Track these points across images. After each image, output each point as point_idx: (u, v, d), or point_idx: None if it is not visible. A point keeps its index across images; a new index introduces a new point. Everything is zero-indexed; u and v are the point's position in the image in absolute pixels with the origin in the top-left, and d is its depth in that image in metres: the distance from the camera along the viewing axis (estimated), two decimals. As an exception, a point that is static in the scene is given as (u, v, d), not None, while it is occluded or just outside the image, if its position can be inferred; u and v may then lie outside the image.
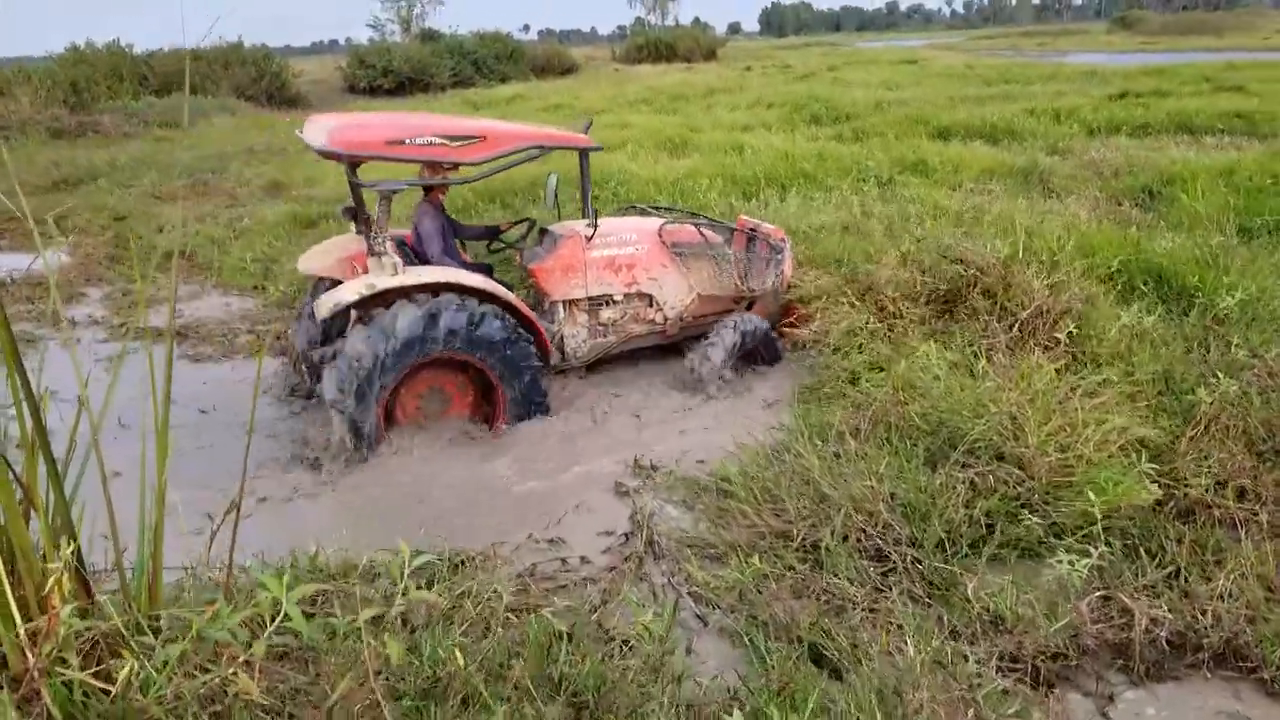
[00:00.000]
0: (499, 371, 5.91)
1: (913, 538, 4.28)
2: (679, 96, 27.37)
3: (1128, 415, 4.99)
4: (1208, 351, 5.86)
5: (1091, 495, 4.20)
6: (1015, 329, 6.13)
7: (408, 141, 5.48)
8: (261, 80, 32.73)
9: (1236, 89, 20.83)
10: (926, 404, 5.27)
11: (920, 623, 3.76)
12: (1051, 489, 4.48)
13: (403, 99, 33.92)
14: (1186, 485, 4.56)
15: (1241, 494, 4.56)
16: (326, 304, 5.52)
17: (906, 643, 3.55)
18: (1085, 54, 50.34)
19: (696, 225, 7.27)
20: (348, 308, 5.54)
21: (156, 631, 3.01)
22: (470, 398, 6.24)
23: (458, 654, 3.18)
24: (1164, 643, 3.64)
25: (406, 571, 3.07)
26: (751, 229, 7.31)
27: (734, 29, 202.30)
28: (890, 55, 49.94)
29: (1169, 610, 3.72)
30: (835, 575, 4.10)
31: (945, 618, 3.85)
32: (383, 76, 36.14)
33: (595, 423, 6.37)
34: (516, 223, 7.18)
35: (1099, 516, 4.13)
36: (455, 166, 6.10)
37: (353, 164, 5.77)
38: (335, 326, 6.26)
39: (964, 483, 4.53)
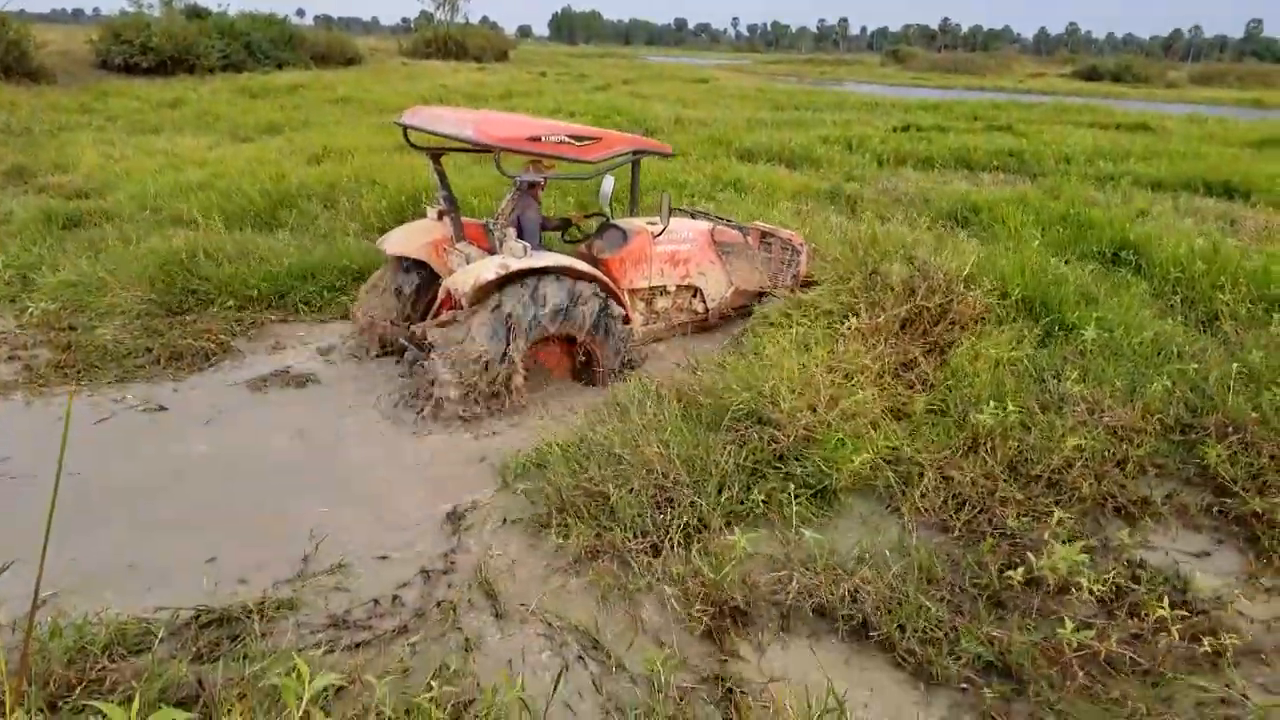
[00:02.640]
0: (608, 348, 6.72)
1: (694, 484, 4.91)
2: (475, 97, 26.86)
3: (873, 391, 5.82)
4: (1058, 380, 6.22)
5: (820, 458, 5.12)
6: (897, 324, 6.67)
7: (544, 138, 6.12)
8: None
9: (1006, 128, 22.69)
10: (714, 380, 6.05)
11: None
12: (801, 446, 5.27)
13: (165, 80, 31.06)
14: (915, 464, 5.28)
15: (946, 480, 5.18)
16: (467, 281, 6.00)
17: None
18: (864, 84, 53.77)
19: (736, 227, 8.19)
20: (488, 284, 6.04)
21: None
22: (567, 365, 6.97)
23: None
24: (809, 610, 4.14)
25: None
26: (768, 232, 8.18)
27: (524, 32, 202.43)
28: (684, 73, 51.36)
29: (822, 581, 4.21)
30: (622, 528, 4.63)
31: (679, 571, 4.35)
32: (141, 54, 33.01)
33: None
34: (589, 216, 7.94)
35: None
36: (550, 165, 6.87)
37: (436, 157, 6.88)
38: (418, 303, 7.19)
39: (733, 442, 5.26)
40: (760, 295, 7.98)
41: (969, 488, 5.10)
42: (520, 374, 6.28)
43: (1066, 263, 8.69)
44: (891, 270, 7.02)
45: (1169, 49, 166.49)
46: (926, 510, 5.00)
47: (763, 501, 4.89)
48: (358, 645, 3.87)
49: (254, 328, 7.81)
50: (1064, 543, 4.41)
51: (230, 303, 8.12)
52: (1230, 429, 5.59)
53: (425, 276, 7.21)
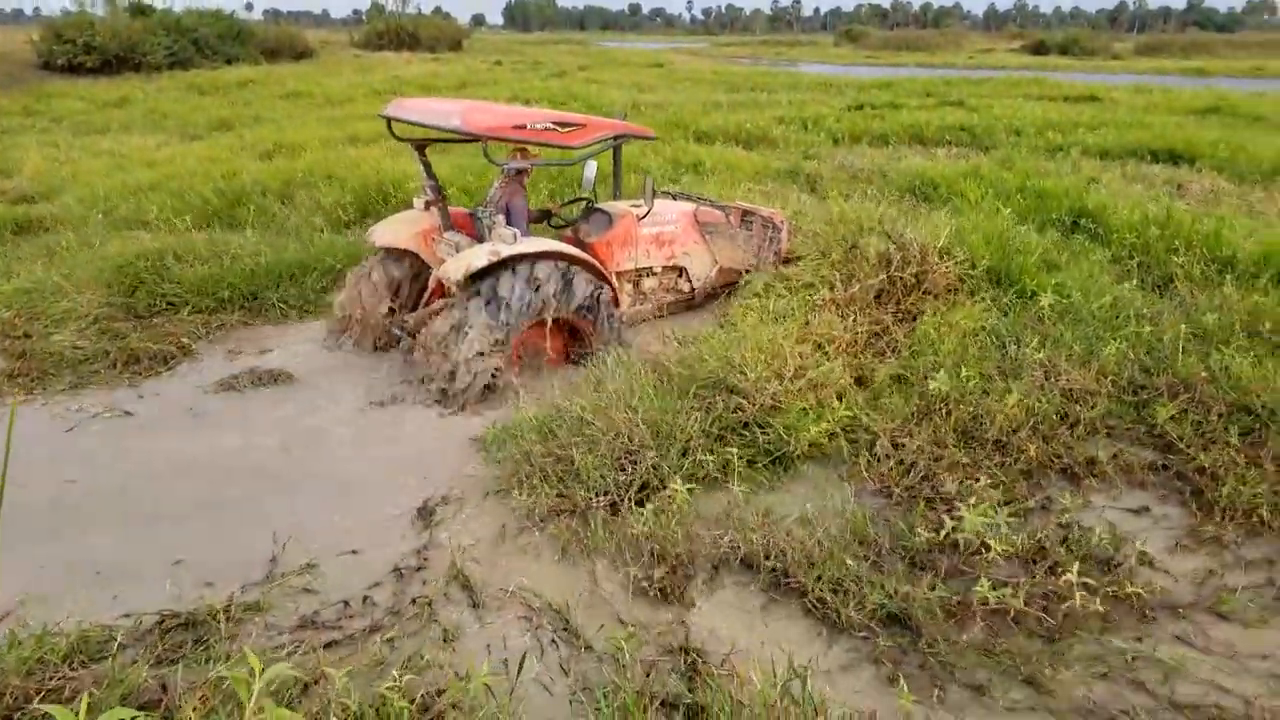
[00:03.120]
0: (600, 331, 6.77)
1: (657, 448, 5.08)
2: (430, 88, 26.59)
3: (843, 360, 6.04)
4: (1018, 346, 6.35)
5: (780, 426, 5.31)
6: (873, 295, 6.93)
7: (529, 126, 6.17)
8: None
9: (958, 104, 22.83)
10: (689, 351, 6.27)
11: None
12: (766, 414, 5.44)
13: (110, 79, 30.41)
14: (869, 433, 5.46)
15: (896, 447, 5.36)
16: (459, 268, 6.11)
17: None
18: (818, 65, 53.81)
19: (718, 206, 8.29)
20: (479, 271, 6.16)
21: None
22: (559, 348, 6.91)
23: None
24: (736, 561, 4.41)
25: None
26: (749, 211, 8.30)
27: (478, 20, 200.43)
28: (639, 58, 51.16)
29: (755, 537, 4.44)
30: (585, 488, 4.86)
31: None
32: (85, 54, 32.27)
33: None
34: (570, 202, 8.05)
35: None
36: (536, 153, 6.98)
37: (420, 148, 6.92)
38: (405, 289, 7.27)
39: (700, 409, 5.42)
40: (745, 273, 8.05)
41: (917, 454, 5.24)
42: (513, 356, 6.42)
43: (1035, 231, 8.81)
44: (870, 244, 7.24)
45: (1114, 21, 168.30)
46: (875, 477, 5.16)
47: (722, 466, 5.06)
48: (329, 644, 3.84)
49: (221, 330, 7.69)
50: (973, 506, 4.51)
51: (203, 305, 7.98)
52: (1180, 389, 5.70)
53: (414, 267, 7.29)
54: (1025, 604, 3.96)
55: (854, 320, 6.58)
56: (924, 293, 7.01)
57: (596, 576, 4.37)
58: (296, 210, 10.86)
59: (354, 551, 4.57)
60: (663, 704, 3.49)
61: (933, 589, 4.10)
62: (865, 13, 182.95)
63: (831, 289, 6.94)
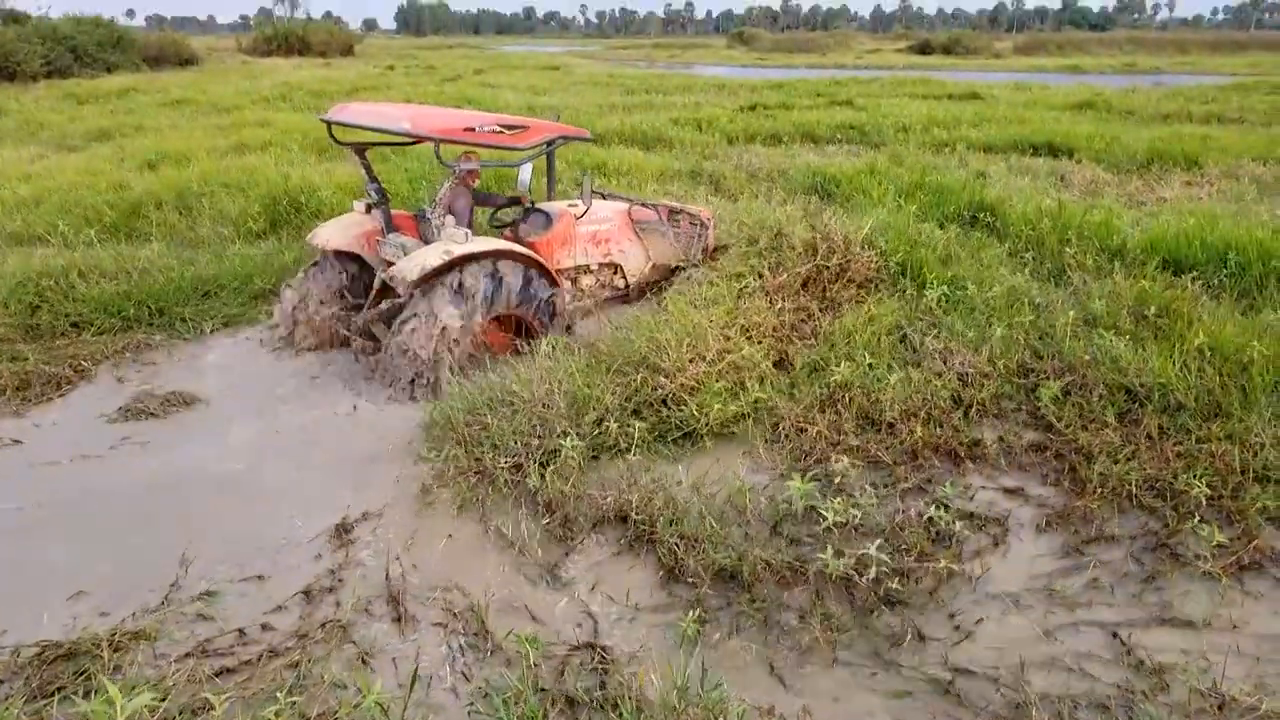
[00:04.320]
0: (551, 326, 6.95)
1: (574, 418, 5.40)
2: (320, 94, 25.92)
3: (768, 345, 6.35)
4: (920, 336, 6.56)
5: (693, 405, 5.59)
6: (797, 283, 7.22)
7: (478, 128, 6.32)
8: None
9: (847, 103, 23.36)
10: (620, 333, 6.59)
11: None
12: (683, 393, 5.70)
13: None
14: (776, 415, 5.71)
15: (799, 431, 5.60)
16: (413, 269, 6.21)
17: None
18: (710, 66, 54.45)
19: (649, 205, 8.46)
20: (433, 271, 6.23)
21: None
22: (506, 344, 7.00)
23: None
24: (614, 516, 4.79)
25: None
26: (677, 209, 8.48)
27: (370, 25, 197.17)
28: (534, 61, 50.96)
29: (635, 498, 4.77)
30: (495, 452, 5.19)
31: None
32: (-46, 63, 30.75)
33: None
34: (510, 202, 7.95)
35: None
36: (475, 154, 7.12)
37: (361, 151, 7.04)
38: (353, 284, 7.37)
39: (621, 385, 5.72)
40: (675, 269, 8.32)
41: (816, 439, 5.45)
42: (470, 348, 6.61)
43: (937, 226, 9.05)
44: (795, 232, 7.57)
45: (994, 21, 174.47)
46: (772, 457, 5.40)
47: (628, 437, 5.36)
48: (221, 671, 3.71)
49: (132, 350, 7.32)
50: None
51: (109, 324, 7.62)
52: (1065, 371, 5.92)
53: (357, 269, 7.40)
54: (856, 574, 4.17)
55: (781, 306, 6.86)
56: (848, 281, 7.32)
57: (489, 529, 4.77)
58: (201, 221, 10.50)
59: (260, 578, 4.44)
60: (569, 702, 3.49)
61: (776, 553, 4.39)
62: (756, 14, 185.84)
63: (760, 277, 7.21)
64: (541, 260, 6.92)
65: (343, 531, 4.78)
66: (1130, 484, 4.86)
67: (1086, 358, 5.98)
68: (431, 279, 6.32)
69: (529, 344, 6.77)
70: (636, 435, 5.35)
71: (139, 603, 4.16)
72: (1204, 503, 4.67)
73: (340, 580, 4.37)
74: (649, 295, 8.17)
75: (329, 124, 6.81)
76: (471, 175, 7.09)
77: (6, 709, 3.21)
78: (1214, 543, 4.38)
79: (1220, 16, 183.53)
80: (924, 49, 69.50)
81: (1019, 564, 4.46)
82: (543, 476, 4.96)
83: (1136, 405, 5.60)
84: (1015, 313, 6.73)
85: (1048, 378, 5.89)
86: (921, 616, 4.07)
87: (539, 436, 5.26)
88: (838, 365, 6.00)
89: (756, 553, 4.34)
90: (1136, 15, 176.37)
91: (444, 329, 6.29)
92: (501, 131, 6.48)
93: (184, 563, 4.44)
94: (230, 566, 4.46)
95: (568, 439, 5.13)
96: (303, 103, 23.65)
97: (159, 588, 4.29)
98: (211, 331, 7.81)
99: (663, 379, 5.76)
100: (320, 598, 4.24)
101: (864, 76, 35.73)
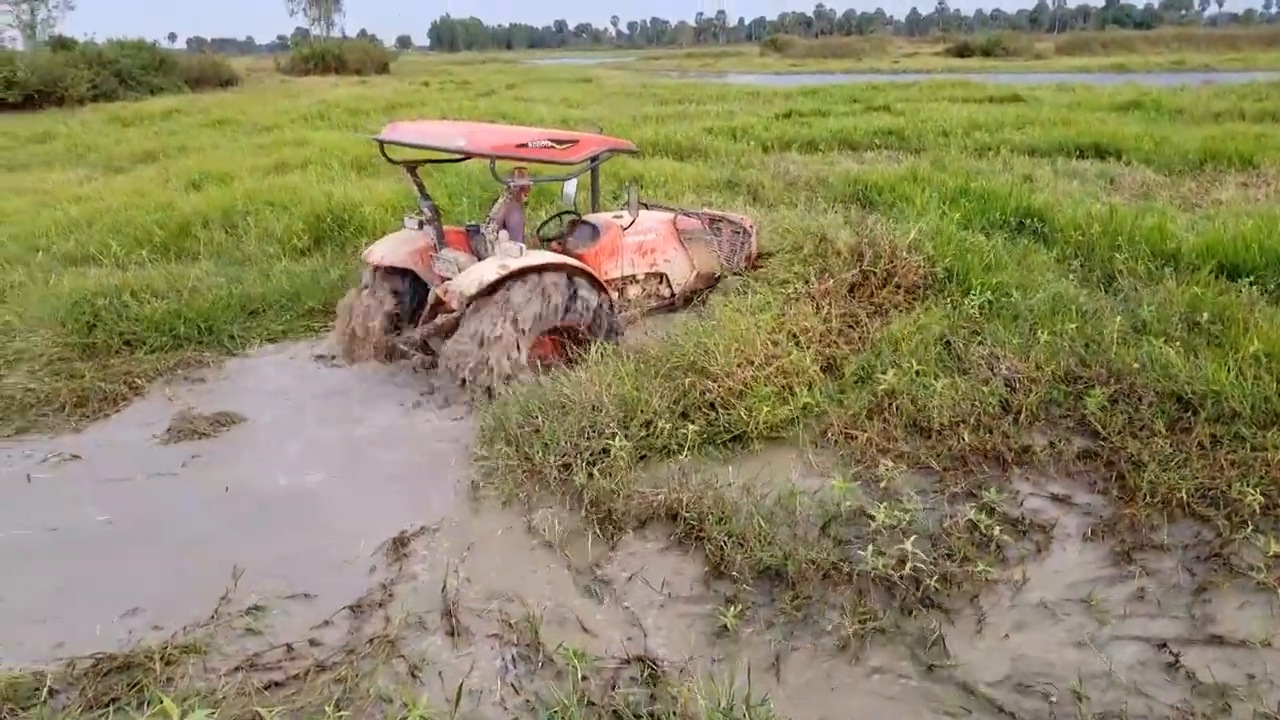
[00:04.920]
0: (604, 338, 6.86)
1: (623, 421, 5.56)
2: (358, 111, 26.34)
3: (816, 350, 6.44)
4: (965, 344, 6.57)
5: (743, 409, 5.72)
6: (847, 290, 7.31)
7: (530, 144, 6.49)
8: None
9: (884, 109, 23.29)
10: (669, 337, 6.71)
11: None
12: (731, 397, 5.84)
13: (33, 114, 29.79)
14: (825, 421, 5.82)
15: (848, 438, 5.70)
16: (471, 282, 6.37)
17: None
18: (744, 75, 54.47)
19: (692, 214, 8.58)
20: (490, 285, 6.36)
21: None
22: (561, 358, 7.01)
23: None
24: (663, 514, 4.94)
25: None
26: (719, 218, 8.61)
27: (404, 43, 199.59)
28: (566, 73, 51.36)
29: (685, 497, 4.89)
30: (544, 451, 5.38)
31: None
32: (5, 89, 31.65)
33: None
34: (554, 216, 8.21)
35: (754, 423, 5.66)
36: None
37: (413, 169, 7.22)
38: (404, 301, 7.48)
39: (669, 388, 5.86)
40: (719, 277, 8.44)
41: (865, 445, 5.56)
42: (529, 360, 6.72)
43: (982, 233, 9.01)
44: (839, 237, 7.67)
45: (1035, 22, 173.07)
46: (824, 460, 5.52)
47: (678, 438, 5.49)
48: (289, 679, 3.80)
49: (183, 367, 7.50)
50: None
51: (161, 342, 7.82)
52: (1113, 378, 5.89)
53: (412, 285, 7.52)
54: (897, 577, 4.22)
55: (828, 312, 6.95)
56: (895, 287, 7.37)
57: (536, 526, 4.92)
58: (247, 239, 10.72)
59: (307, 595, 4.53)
60: (615, 716, 3.54)
61: (821, 553, 4.46)
62: (790, 21, 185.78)
63: (806, 283, 7.29)
64: (591, 271, 7.02)
65: (397, 545, 4.85)
66: (1181, 492, 4.81)
67: (1136, 365, 5.93)
68: (488, 293, 6.46)
69: (581, 354, 6.85)
70: (688, 437, 5.47)
71: (190, 617, 4.25)
72: (1259, 512, 4.62)
73: (391, 595, 4.43)
74: (696, 302, 8.24)
75: (382, 144, 7.01)
76: (524, 190, 7.18)
77: (64, 718, 3.31)
78: (1270, 553, 4.33)
79: (1274, 10, 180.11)
80: (963, 51, 68.99)
81: (1065, 571, 4.44)
82: (590, 475, 5.11)
83: (1188, 413, 5.54)
84: (1061, 319, 6.70)
85: (1094, 385, 5.86)
86: (962, 621, 4.08)
87: (588, 438, 5.41)
88: (884, 372, 6.04)
89: (803, 552, 4.43)
90: (1183, 11, 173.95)
91: (500, 338, 6.40)
92: (553, 146, 6.65)
93: (235, 575, 4.51)
94: (279, 582, 4.53)
95: (616, 439, 5.27)
96: (340, 120, 24.03)
97: (210, 602, 4.37)
98: (260, 346, 8.01)
99: (710, 383, 5.89)
100: (370, 613, 4.29)
101: (901, 81, 35.61)
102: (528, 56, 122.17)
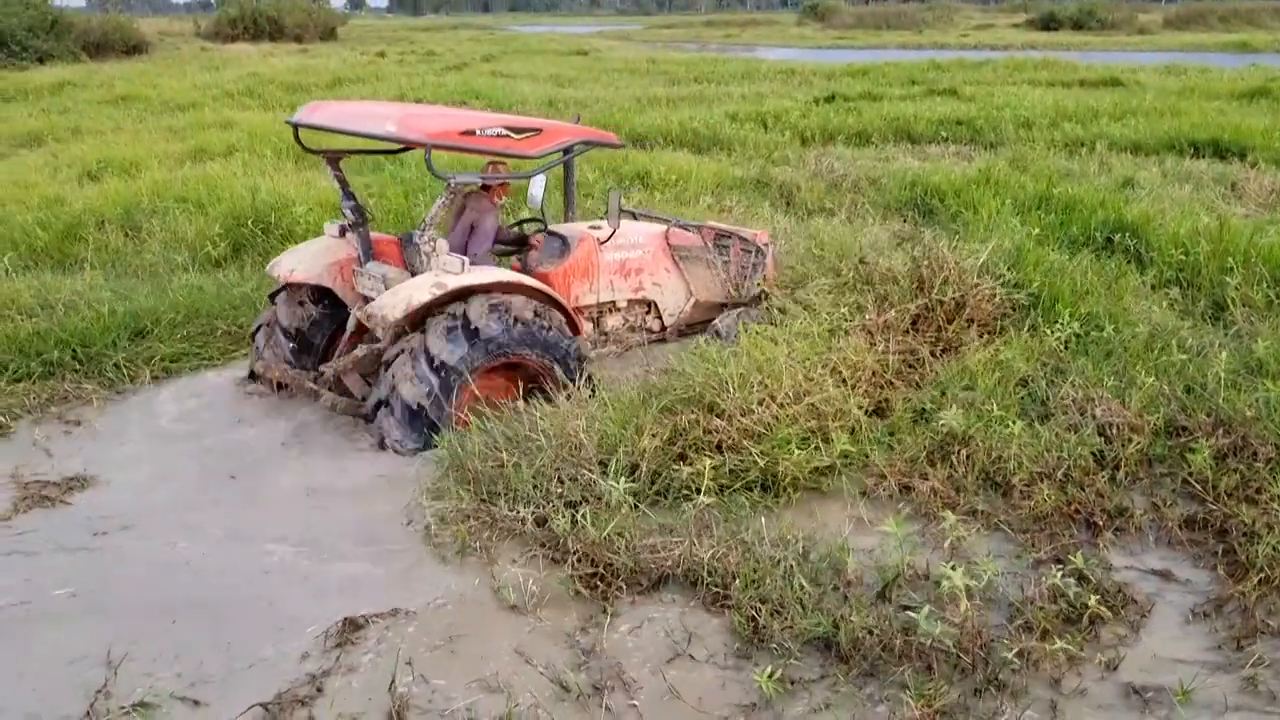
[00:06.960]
0: (563, 372, 6.78)
1: (601, 462, 5.63)
2: (296, 88, 26.58)
3: (857, 395, 6.37)
4: (1048, 384, 6.63)
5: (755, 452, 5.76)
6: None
7: (479, 132, 6.30)
8: None
9: (950, 92, 23.45)
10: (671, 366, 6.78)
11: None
12: (743, 437, 5.84)
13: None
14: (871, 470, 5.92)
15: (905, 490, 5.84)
16: (396, 306, 6.19)
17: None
18: (776, 49, 55.06)
19: (691, 227, 8.39)
20: (420, 309, 6.24)
21: None
22: (511, 394, 6.82)
23: None
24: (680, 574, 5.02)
25: None
26: (726, 232, 8.33)
27: (356, 3, 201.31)
28: (557, 44, 51.84)
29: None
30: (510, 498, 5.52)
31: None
32: None
33: None
34: (520, 223, 8.16)
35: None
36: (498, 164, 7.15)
37: (335, 161, 7.02)
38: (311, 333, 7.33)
39: (665, 425, 5.88)
40: (724, 306, 8.22)
41: (928, 496, 5.68)
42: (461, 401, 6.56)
43: (1065, 250, 9.04)
44: (880, 260, 7.56)
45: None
46: (874, 518, 5.57)
47: (679, 485, 5.60)
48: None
49: (57, 402, 7.40)
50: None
51: (28, 369, 7.71)
52: (1220, 429, 5.90)
53: (328, 306, 7.37)
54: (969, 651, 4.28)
55: (885, 348, 6.85)
56: (967, 320, 7.24)
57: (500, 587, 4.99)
58: (150, 244, 10.76)
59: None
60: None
61: (879, 620, 4.51)
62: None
63: (861, 311, 7.18)
64: (556, 296, 6.90)
65: (341, 626, 4.73)
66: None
67: (1249, 413, 5.93)
68: (417, 320, 6.31)
69: (538, 396, 6.72)
70: (704, 481, 5.45)
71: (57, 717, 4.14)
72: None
73: (320, 689, 4.32)
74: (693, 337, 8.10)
75: (296, 127, 6.84)
76: (500, 189, 7.11)
77: None
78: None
79: None
80: (1048, 23, 69.50)
81: (1162, 656, 4.46)
82: (574, 522, 5.17)
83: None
84: (1160, 356, 6.74)
85: (1199, 437, 5.86)
86: (1038, 705, 4.11)
87: (563, 483, 5.49)
88: (947, 411, 6.06)
89: (857, 620, 4.46)
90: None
91: (440, 368, 6.25)
92: (508, 136, 6.46)
93: (111, 664, 4.40)
94: (175, 672, 4.43)
95: (599, 484, 5.37)
96: (275, 99, 24.28)
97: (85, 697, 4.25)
98: (152, 379, 7.90)
99: (718, 420, 5.84)
100: (289, 713, 4.18)
101: (972, 59, 35.89)
102: (508, 22, 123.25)
